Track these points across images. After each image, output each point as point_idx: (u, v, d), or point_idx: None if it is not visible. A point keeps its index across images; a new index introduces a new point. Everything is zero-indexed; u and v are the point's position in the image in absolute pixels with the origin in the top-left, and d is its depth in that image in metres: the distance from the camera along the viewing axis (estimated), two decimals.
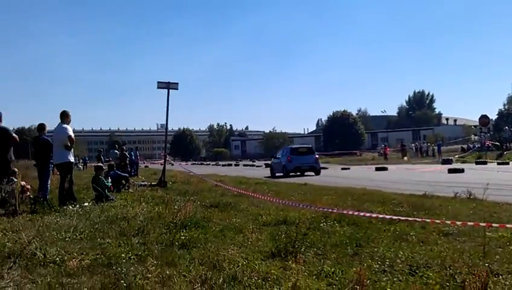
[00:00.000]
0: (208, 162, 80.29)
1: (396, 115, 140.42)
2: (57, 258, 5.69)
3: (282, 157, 30.63)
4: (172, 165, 35.82)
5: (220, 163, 67.98)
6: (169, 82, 20.06)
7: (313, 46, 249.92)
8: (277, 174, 29.84)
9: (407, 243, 6.77)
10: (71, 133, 12.17)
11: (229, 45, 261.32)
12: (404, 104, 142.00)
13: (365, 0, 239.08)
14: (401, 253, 6.02)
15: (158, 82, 20.08)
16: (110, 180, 14.33)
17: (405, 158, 51.46)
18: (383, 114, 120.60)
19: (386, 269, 5.33)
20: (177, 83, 20.34)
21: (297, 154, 30.21)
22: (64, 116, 12.25)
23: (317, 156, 31.06)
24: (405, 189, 15.02)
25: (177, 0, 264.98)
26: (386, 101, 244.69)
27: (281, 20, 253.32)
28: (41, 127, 13.18)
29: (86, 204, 11.36)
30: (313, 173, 29.05)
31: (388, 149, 57.48)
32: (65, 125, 12.17)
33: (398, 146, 63.13)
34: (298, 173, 28.97)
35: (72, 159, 12.34)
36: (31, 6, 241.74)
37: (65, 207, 10.45)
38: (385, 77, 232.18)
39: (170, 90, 20.02)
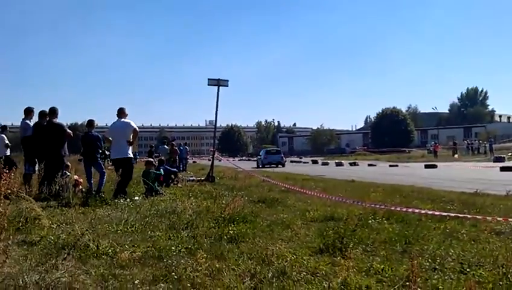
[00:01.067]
0: (255, 158, 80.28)
1: (447, 112, 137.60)
2: (109, 250, 5.82)
3: (261, 156, 46.00)
4: (220, 161, 36.02)
5: None
6: (219, 79, 20.22)
7: (363, 45, 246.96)
8: (260, 166, 42.21)
9: (458, 241, 6.65)
10: (136, 127, 12.31)
11: (281, 44, 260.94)
12: (456, 101, 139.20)
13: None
14: (452, 251, 5.92)
15: (209, 79, 20.26)
16: (161, 170, 14.54)
17: (455, 156, 50.40)
18: (433, 111, 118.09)
19: (437, 267, 5.24)
20: (227, 80, 20.49)
21: (270, 154, 46.09)
22: (122, 113, 12.37)
23: (282, 155, 47.12)
24: (455, 187, 14.76)
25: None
26: (437, 98, 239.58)
27: (332, 20, 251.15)
28: (91, 123, 13.46)
29: (137, 198, 11.53)
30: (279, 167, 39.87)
31: (438, 147, 56.21)
32: (127, 120, 12.30)
33: (450, 143, 61.76)
34: (273, 165, 41.80)
35: (131, 154, 12.43)
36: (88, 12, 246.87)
37: (116, 201, 10.64)
38: (436, 73, 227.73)
39: (220, 87, 20.18)
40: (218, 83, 20.10)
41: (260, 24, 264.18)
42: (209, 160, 24.44)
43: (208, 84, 20.14)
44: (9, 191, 10.78)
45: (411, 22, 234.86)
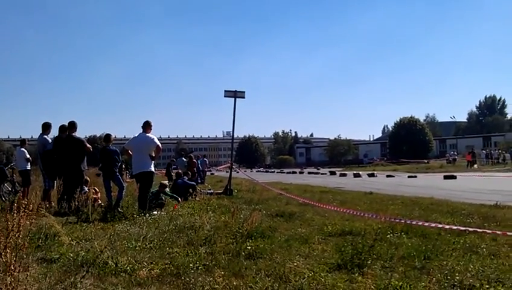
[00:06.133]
0: (272, 170, 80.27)
1: (466, 121, 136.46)
2: (128, 267, 5.84)
3: None
4: (238, 173, 36.09)
5: (285, 170, 67.82)
6: (236, 91, 20.25)
7: (379, 55, 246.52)
8: None
9: (478, 256, 6.60)
10: (159, 144, 12.23)
11: (298, 55, 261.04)
12: (475, 109, 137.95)
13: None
14: (471, 266, 5.87)
15: (225, 91, 20.30)
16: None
17: (475, 166, 49.83)
18: (452, 120, 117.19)
19: (456, 283, 5.19)
20: (244, 92, 20.52)
21: None
22: (147, 126, 12.25)
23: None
24: (475, 198, 14.61)
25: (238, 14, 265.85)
26: (455, 107, 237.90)
27: (347, 31, 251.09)
28: (108, 137, 13.52)
29: (155, 212, 11.58)
30: None
31: (469, 156, 54.74)
32: (151, 135, 12.20)
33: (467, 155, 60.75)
34: None
35: (153, 168, 12.30)
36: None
37: (135, 215, 10.68)
38: (454, 82, 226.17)
39: (237, 98, 20.22)
40: (235, 94, 20.15)
41: (276, 35, 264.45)
42: (227, 172, 24.47)
43: (225, 96, 20.20)
44: (29, 208, 10.98)
45: (428, 30, 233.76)
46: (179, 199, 14.20)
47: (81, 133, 12.75)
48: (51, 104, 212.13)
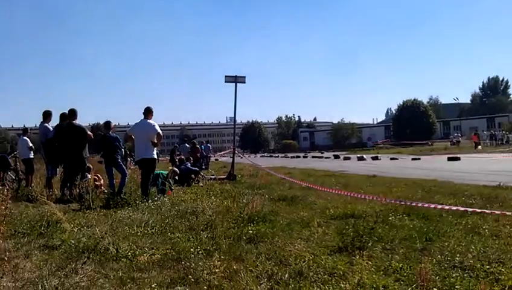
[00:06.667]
0: (276, 154, 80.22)
1: (469, 102, 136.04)
2: (129, 253, 5.86)
3: None
4: (241, 158, 36.14)
5: (289, 155, 67.80)
6: (236, 76, 20.22)
7: (380, 37, 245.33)
8: None
9: (479, 237, 6.56)
10: (160, 131, 12.19)
11: (299, 38, 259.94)
12: (478, 90, 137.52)
13: None
14: (473, 247, 5.86)
15: (226, 76, 20.28)
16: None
17: (479, 147, 49.72)
18: (455, 102, 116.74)
19: (456, 264, 5.19)
20: (245, 77, 20.49)
21: None
22: (149, 112, 12.24)
23: None
24: (478, 180, 14.57)
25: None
26: (458, 88, 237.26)
27: (348, 14, 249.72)
28: (108, 125, 13.54)
29: (158, 198, 11.60)
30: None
31: (476, 137, 54.53)
32: (152, 122, 12.17)
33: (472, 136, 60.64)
34: None
35: (155, 155, 12.32)
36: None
37: (137, 202, 10.70)
38: (457, 63, 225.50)
39: (238, 83, 20.19)
40: (236, 80, 20.12)
41: (278, 19, 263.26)
42: (230, 157, 24.50)
43: (225, 82, 20.17)
44: (31, 195, 11.06)
45: (431, 12, 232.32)
46: (172, 187, 14.10)
47: (83, 120, 12.75)
48: (54, 92, 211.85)
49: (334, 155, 51.29)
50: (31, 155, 15.53)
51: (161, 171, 14.21)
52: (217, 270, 4.93)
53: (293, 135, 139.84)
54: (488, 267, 5.02)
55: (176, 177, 14.63)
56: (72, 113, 12.59)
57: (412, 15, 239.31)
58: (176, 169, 15.03)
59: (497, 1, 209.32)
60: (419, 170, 21.92)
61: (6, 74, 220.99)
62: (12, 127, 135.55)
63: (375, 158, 39.14)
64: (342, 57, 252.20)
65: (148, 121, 12.14)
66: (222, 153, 52.11)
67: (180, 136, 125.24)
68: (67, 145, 12.14)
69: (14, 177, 16.19)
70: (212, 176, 19.48)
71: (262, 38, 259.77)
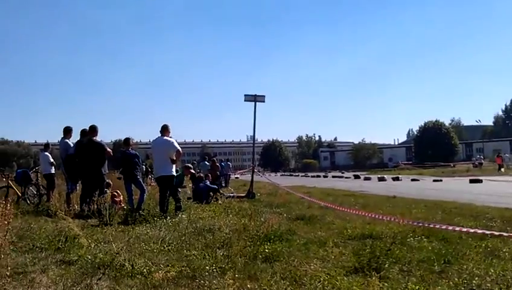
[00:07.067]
0: (297, 174, 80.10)
1: (492, 124, 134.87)
2: (144, 270, 5.86)
3: None
4: (261, 176, 36.12)
5: (309, 174, 67.70)
6: (256, 95, 20.30)
7: (403, 58, 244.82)
8: None
9: (499, 260, 6.47)
10: (179, 148, 12.25)
11: (320, 60, 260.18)
12: (501, 113, 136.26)
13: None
14: (492, 271, 5.77)
15: (245, 95, 20.38)
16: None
17: (502, 170, 49.06)
18: (477, 124, 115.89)
19: (474, 288, 5.11)
20: (264, 96, 20.56)
21: None
22: (165, 130, 12.30)
23: None
24: (500, 202, 14.36)
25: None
26: (480, 111, 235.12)
27: (371, 36, 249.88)
28: (127, 141, 13.68)
29: (177, 215, 11.62)
30: None
31: (500, 159, 53.97)
32: (170, 139, 12.21)
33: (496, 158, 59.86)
34: None
35: (174, 172, 12.30)
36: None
37: (155, 218, 10.73)
38: (480, 85, 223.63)
39: (257, 102, 20.26)
40: (255, 98, 20.19)
41: (300, 40, 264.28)
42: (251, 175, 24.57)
43: (245, 100, 20.26)
44: (51, 210, 11.16)
45: (453, 33, 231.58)
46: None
47: (105, 137, 12.86)
48: (76, 109, 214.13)
49: (354, 175, 51.03)
50: (52, 170, 15.68)
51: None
52: (230, 289, 4.90)
53: (313, 155, 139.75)
54: None
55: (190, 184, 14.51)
56: (93, 129, 12.72)
57: (434, 36, 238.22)
58: (189, 165, 15.00)
59: None
60: (440, 192, 21.67)
61: (31, 90, 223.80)
62: (35, 142, 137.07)
63: (396, 179, 38.82)
64: (364, 77, 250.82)
65: (165, 138, 12.21)
66: (242, 171, 52.16)
67: (201, 154, 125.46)
68: (87, 161, 12.25)
69: (35, 192, 16.35)
70: (231, 194, 19.46)
71: (284, 57, 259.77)
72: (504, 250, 7.07)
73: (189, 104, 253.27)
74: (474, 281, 5.30)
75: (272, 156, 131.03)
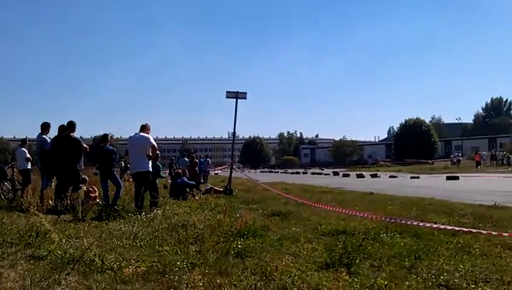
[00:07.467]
0: (276, 170, 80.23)
1: (472, 122, 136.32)
2: (114, 265, 5.81)
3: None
4: (237, 172, 36.09)
5: (289, 171, 67.78)
6: (237, 92, 20.27)
7: (384, 56, 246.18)
8: None
9: (469, 256, 6.55)
10: (155, 144, 12.19)
11: (302, 57, 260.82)
12: (481, 111, 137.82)
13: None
14: (461, 266, 5.83)
15: (227, 92, 20.33)
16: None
17: (479, 167, 49.71)
18: (457, 121, 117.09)
19: (442, 283, 5.16)
20: (245, 93, 20.52)
21: None
22: (144, 128, 12.24)
23: None
24: (475, 199, 14.52)
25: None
26: (461, 109, 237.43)
27: (356, 34, 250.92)
28: (105, 137, 13.63)
29: (152, 211, 11.56)
30: None
31: (478, 156, 54.68)
32: (147, 135, 12.16)
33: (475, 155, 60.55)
34: None
35: (150, 168, 12.21)
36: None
37: (130, 214, 10.67)
38: (460, 83, 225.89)
39: (239, 99, 20.24)
40: (237, 95, 20.16)
41: (283, 39, 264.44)
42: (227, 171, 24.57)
43: (226, 97, 20.22)
44: (23, 205, 11.04)
45: (435, 33, 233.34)
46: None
47: (86, 133, 12.78)
48: (57, 105, 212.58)
49: (333, 172, 51.34)
50: (29, 166, 15.53)
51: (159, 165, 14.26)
52: (200, 284, 4.88)
53: (294, 151, 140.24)
54: (473, 286, 5.00)
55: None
56: (71, 125, 12.60)
57: (415, 36, 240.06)
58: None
59: (501, 24, 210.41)
60: (417, 188, 21.86)
61: (9, 85, 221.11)
62: (14, 137, 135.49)
63: (374, 176, 39.12)
64: (347, 75, 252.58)
65: (142, 134, 12.15)
66: (221, 167, 51.99)
67: (181, 150, 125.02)
68: (63, 156, 12.13)
69: (10, 188, 16.19)
70: (207, 188, 19.44)
71: (266, 55, 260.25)
72: (475, 246, 7.15)
73: (171, 100, 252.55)
74: (442, 277, 5.34)
75: (252, 152, 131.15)
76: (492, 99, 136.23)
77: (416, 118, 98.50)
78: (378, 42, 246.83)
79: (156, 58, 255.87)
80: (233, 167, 23.29)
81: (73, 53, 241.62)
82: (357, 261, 5.98)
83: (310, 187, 24.00)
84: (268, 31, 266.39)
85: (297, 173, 59.25)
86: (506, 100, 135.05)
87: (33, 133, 14.58)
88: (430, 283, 5.15)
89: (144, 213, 11.00)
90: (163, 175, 14.97)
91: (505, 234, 7.40)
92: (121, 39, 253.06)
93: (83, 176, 13.44)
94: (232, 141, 26.58)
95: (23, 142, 16.67)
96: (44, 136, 13.65)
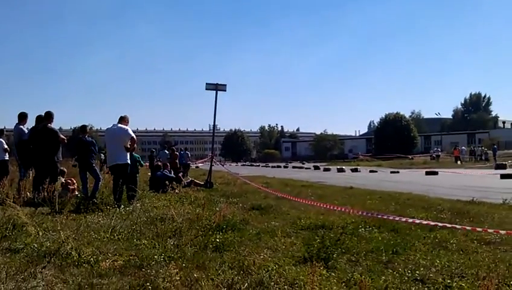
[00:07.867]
0: (257, 164, 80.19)
1: (451, 117, 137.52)
2: (91, 259, 5.77)
3: None
4: (217, 165, 36.07)
5: (270, 164, 67.82)
6: (217, 84, 20.23)
7: (365, 50, 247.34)
8: None
9: (446, 251, 6.63)
10: (134, 135, 12.04)
11: (284, 50, 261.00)
12: (460, 106, 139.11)
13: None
14: (438, 261, 5.91)
15: (207, 84, 20.27)
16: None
17: (458, 162, 50.23)
18: (437, 117, 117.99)
19: (418, 278, 5.21)
20: (225, 85, 20.51)
21: None
22: (123, 120, 12.10)
23: None
24: (453, 194, 14.66)
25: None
26: (440, 104, 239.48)
27: (331, 27, 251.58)
28: (83, 128, 13.47)
29: (131, 205, 11.50)
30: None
31: (457, 151, 55.25)
32: (125, 127, 12.00)
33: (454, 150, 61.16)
34: None
35: (128, 160, 12.08)
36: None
37: (108, 207, 10.60)
38: (440, 79, 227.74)
39: (219, 91, 20.20)
40: (216, 87, 20.12)
41: (265, 31, 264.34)
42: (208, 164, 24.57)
43: (206, 89, 20.16)
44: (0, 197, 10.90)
45: (415, 27, 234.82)
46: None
47: (66, 124, 12.65)
48: (38, 95, 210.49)
49: (314, 166, 51.49)
50: (6, 157, 15.29)
51: (136, 155, 14.17)
52: (177, 278, 4.87)
53: (275, 145, 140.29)
54: (449, 281, 5.04)
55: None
56: (49, 115, 12.42)
57: (395, 30, 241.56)
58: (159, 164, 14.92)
59: (482, 19, 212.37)
60: (396, 183, 22.05)
61: None
62: None
63: (354, 170, 39.34)
64: (328, 69, 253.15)
65: (120, 125, 11.99)
66: (202, 160, 51.87)
67: (161, 142, 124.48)
68: (40, 147, 11.99)
69: None
70: (187, 181, 19.39)
71: (247, 48, 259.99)
72: (451, 241, 7.24)
73: (151, 92, 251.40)
74: (419, 272, 5.40)
75: (233, 145, 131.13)
76: (471, 94, 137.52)
77: (396, 113, 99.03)
78: (359, 36, 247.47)
79: (135, 50, 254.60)
80: (214, 160, 23.27)
81: (50, 39, 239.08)
82: (334, 255, 6.01)
83: (290, 181, 24.06)
84: (249, 23, 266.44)
85: (278, 166, 59.33)
86: (485, 96, 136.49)
87: (11, 123, 14.40)
88: (406, 278, 5.20)
89: (122, 206, 10.93)
90: (143, 163, 14.91)
91: (479, 229, 7.49)
92: (99, 28, 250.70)
93: (61, 168, 13.28)
94: (215, 133, 26.52)
95: (1, 132, 16.44)
96: (22, 126, 13.47)
